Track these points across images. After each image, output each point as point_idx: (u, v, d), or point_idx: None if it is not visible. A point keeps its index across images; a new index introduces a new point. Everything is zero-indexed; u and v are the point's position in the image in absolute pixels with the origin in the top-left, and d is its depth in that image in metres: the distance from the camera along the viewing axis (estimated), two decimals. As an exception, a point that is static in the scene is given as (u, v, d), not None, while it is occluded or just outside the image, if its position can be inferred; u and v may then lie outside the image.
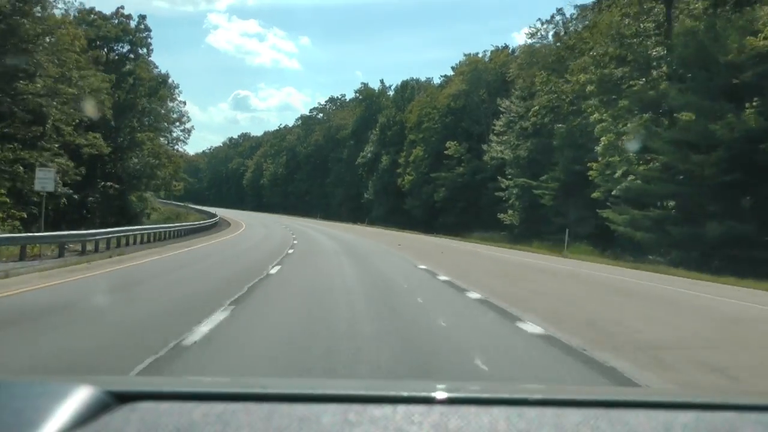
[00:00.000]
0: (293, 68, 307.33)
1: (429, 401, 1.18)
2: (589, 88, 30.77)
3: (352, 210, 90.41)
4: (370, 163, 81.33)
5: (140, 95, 42.66)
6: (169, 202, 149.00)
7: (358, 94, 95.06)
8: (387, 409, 1.11)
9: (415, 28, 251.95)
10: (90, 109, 31.58)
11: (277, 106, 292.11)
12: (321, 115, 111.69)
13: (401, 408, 1.11)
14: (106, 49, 42.30)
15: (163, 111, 46.55)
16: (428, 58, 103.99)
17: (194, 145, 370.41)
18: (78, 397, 1.07)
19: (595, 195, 34.14)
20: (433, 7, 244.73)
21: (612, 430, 1.07)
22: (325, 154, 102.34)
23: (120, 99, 42.10)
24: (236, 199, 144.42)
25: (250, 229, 49.84)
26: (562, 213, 39.54)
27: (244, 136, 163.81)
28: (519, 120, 49.76)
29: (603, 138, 31.04)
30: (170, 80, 54.21)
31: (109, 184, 41.45)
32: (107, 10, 44.43)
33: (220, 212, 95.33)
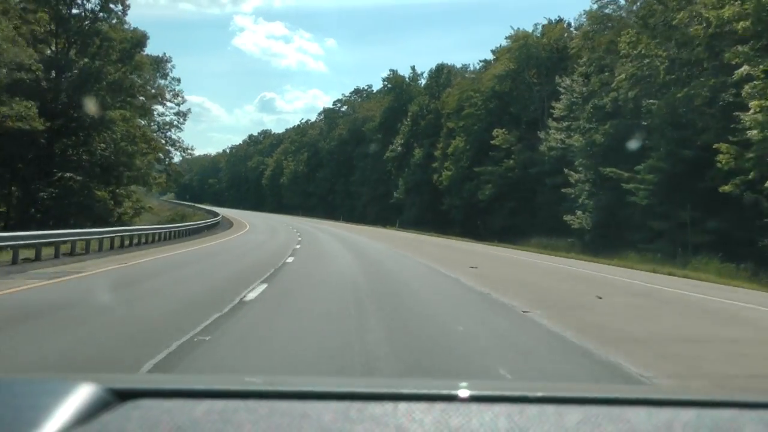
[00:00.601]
0: (319, 70, 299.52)
1: (430, 399, 1.16)
2: (741, 24, 20.50)
3: (379, 211, 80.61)
4: (401, 157, 71.46)
5: (110, 61, 33.21)
6: (180, 202, 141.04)
7: (386, 83, 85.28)
8: (388, 407, 1.10)
9: (444, 29, 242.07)
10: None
11: (303, 108, 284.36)
12: (345, 108, 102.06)
13: (402, 405, 1.11)
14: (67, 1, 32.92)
15: (140, 82, 37.07)
16: (458, 59, 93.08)
17: (219, 147, 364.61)
18: (79, 395, 1.07)
19: (726, 188, 23.95)
20: (460, 7, 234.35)
21: (613, 427, 1.06)
22: (350, 149, 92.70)
23: (85, 66, 32.75)
24: (255, 200, 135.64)
25: (249, 234, 40.36)
26: (663, 214, 29.30)
27: (265, 133, 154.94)
28: (586, 100, 39.56)
29: (754, 104, 20.85)
30: (164, 55, 45.04)
31: (68, 175, 32.08)
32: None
33: (232, 214, 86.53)
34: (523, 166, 49.16)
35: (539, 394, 1.23)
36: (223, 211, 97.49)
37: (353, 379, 3.99)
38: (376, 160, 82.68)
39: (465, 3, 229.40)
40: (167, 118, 45.85)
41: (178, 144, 47.22)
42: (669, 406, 1.20)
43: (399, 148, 71.61)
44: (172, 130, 48.77)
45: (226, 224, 52.69)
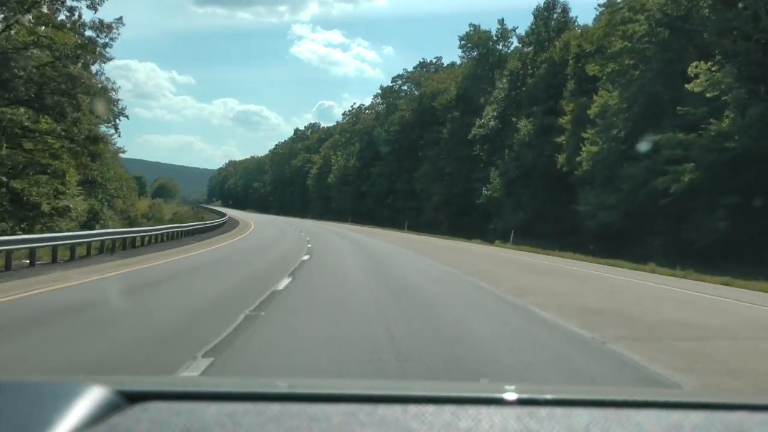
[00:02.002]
0: (377, 77, 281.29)
1: (439, 401, 1.15)
2: None
3: (457, 216, 58.17)
4: (493, 136, 48.78)
5: None
6: (205, 206, 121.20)
7: (464, 42, 62.49)
8: (397, 409, 1.09)
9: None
10: None
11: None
12: (407, 86, 79.83)
13: (412, 408, 1.10)
14: None
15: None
16: None
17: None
18: (89, 398, 1.07)
19: None
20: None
21: (622, 430, 1.07)
22: (415, 136, 70.71)
23: None
24: (300, 205, 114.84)
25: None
26: None
27: (313, 128, 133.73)
28: None
29: None
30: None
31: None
32: None
33: (249, 218, 65.81)
34: (750, 131, 26.01)
35: (548, 396, 1.23)
36: (246, 216, 77.12)
37: (362, 381, 3.78)
38: (452, 146, 60.29)
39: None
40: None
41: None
42: (678, 408, 1.18)
43: (491, 123, 48.85)
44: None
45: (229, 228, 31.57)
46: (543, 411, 1.12)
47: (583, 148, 32.80)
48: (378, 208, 76.37)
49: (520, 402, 1.19)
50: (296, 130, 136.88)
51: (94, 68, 41.04)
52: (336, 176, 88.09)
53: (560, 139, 37.20)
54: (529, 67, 46.12)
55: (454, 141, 60.11)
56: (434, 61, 79.22)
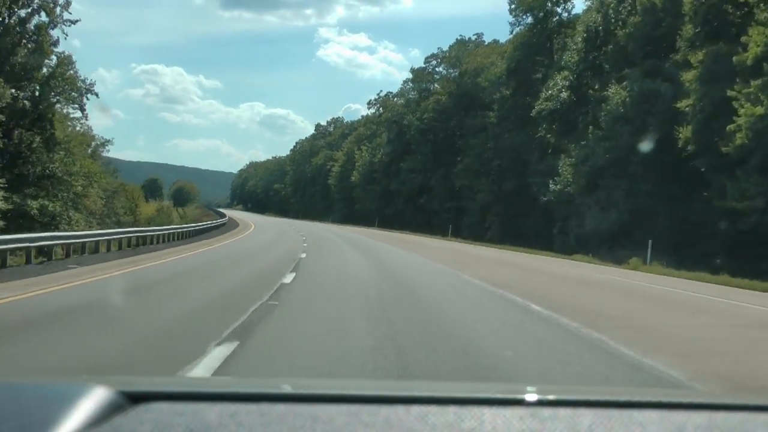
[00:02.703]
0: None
1: (442, 402, 1.15)
2: None
3: (509, 218, 46.81)
4: (565, 111, 37.12)
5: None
6: (216, 209, 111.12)
7: (515, 6, 50.77)
8: (400, 410, 1.09)
9: None
10: None
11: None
12: (443, 67, 68.36)
13: (415, 408, 1.10)
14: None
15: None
16: None
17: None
18: (91, 398, 1.06)
19: None
20: None
21: (625, 430, 1.07)
22: (453, 123, 59.50)
23: None
24: (322, 207, 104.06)
25: None
26: None
27: (335, 122, 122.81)
28: None
29: None
30: None
31: None
32: None
33: (256, 220, 55.10)
34: None
35: (552, 397, 1.24)
36: (250, 219, 66.52)
37: (365, 381, 4.00)
38: (500, 132, 48.96)
39: None
40: None
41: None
42: (681, 409, 1.18)
43: (562, 94, 37.15)
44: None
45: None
46: (546, 411, 1.12)
47: (741, 110, 21.08)
48: (409, 209, 65.09)
49: (524, 402, 1.18)
50: (318, 126, 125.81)
51: (54, 33, 30.86)
52: (360, 173, 76.95)
53: (683, 104, 25.49)
54: (613, 20, 34.51)
55: (505, 126, 48.77)
56: (473, 38, 67.59)
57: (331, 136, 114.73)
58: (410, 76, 70.95)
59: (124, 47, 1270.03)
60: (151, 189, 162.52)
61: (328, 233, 43.31)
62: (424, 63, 69.61)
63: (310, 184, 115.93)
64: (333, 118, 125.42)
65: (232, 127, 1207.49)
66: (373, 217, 74.32)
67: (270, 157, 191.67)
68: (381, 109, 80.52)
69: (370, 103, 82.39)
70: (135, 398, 1.10)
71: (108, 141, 62.88)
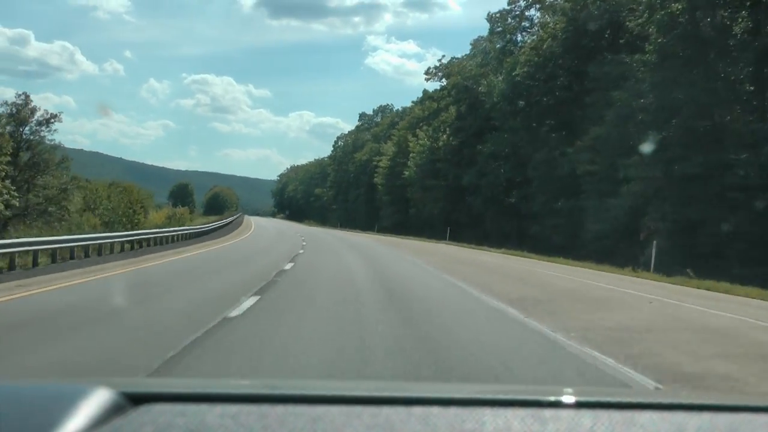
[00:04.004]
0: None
1: (443, 403, 1.15)
2: None
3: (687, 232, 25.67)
4: None
5: None
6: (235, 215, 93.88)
7: None
8: (401, 411, 1.09)
9: None
10: None
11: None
12: (535, 8, 47.04)
13: (416, 409, 1.10)
14: None
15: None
16: None
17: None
18: (92, 400, 1.07)
19: None
20: None
21: (626, 431, 1.07)
22: (564, 79, 38.65)
23: None
24: (368, 213, 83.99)
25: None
26: None
27: (383, 110, 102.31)
28: None
29: None
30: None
31: None
32: None
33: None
34: None
35: (552, 398, 1.22)
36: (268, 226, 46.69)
37: (366, 382, 4.11)
38: (665, 78, 27.96)
39: None
40: None
41: None
42: (682, 410, 1.18)
43: None
44: None
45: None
46: (547, 412, 1.11)
47: None
48: (493, 213, 44.21)
49: (524, 403, 1.17)
50: (362, 115, 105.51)
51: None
52: (416, 165, 56.24)
53: None
54: None
55: (673, 66, 27.70)
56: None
57: (378, 127, 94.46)
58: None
59: (174, 58, 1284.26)
60: (181, 195, 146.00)
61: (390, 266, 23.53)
62: (508, 4, 48.34)
63: (353, 185, 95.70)
64: (380, 105, 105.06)
65: (281, 137, 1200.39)
66: (434, 224, 53.65)
67: (312, 159, 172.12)
68: (445, 79, 59.80)
69: (429, 73, 61.61)
70: (136, 399, 1.10)
71: (53, 117, 43.82)
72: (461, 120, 49.34)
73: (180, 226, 53.53)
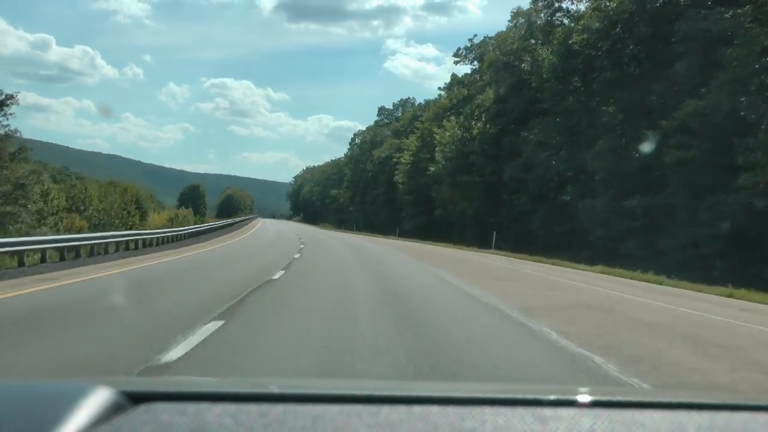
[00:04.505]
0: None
1: (444, 402, 1.15)
2: None
3: None
4: None
5: None
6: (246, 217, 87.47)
7: None
8: (402, 410, 1.09)
9: None
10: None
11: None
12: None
13: (416, 408, 1.09)
14: None
15: None
16: None
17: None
18: (93, 398, 1.06)
19: None
20: None
21: (626, 430, 1.07)
22: (636, 46, 30.88)
23: None
24: (388, 215, 76.44)
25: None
26: None
27: (404, 104, 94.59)
28: None
29: None
30: None
31: None
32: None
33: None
34: None
35: (552, 397, 1.22)
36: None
37: (367, 381, 4.07)
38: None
39: None
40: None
41: None
42: (682, 409, 1.17)
43: None
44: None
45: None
46: (547, 411, 1.11)
47: None
48: (542, 216, 36.29)
49: (524, 402, 1.17)
50: (381, 109, 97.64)
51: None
52: (445, 158, 48.35)
53: None
54: None
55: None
56: None
57: (398, 122, 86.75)
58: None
59: (193, 61, 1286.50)
60: (192, 197, 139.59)
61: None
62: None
63: (371, 185, 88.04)
64: (401, 99, 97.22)
65: (300, 140, 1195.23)
66: (465, 227, 45.92)
67: (329, 160, 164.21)
68: (476, 62, 51.99)
69: (458, 55, 53.68)
70: (136, 398, 1.09)
71: (9, 99, 36.49)
72: (500, 104, 41.46)
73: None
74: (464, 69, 58.06)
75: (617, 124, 31.77)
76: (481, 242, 38.98)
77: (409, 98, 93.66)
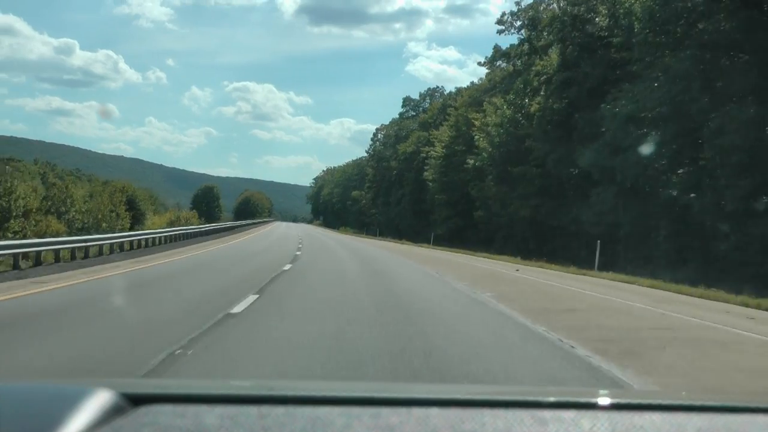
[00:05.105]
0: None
1: (443, 404, 1.15)
2: None
3: None
4: None
5: None
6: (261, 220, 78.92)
7: None
8: (402, 412, 1.08)
9: None
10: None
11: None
12: None
13: (416, 411, 1.09)
14: None
15: None
16: None
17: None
18: (92, 400, 1.07)
19: None
20: None
21: None
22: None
23: None
24: (415, 218, 66.92)
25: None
26: None
27: (432, 93, 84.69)
28: None
29: None
30: None
31: None
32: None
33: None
34: None
35: (552, 399, 1.22)
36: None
37: (367, 383, 4.03)
38: None
39: None
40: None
41: None
42: (682, 411, 1.17)
43: None
44: None
45: None
46: (548, 413, 1.10)
47: None
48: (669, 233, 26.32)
49: (524, 405, 1.16)
50: (406, 100, 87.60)
51: None
52: (492, 143, 38.43)
53: None
54: None
55: None
56: None
57: (426, 113, 76.98)
58: None
59: (216, 65, 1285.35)
60: (205, 199, 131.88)
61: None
62: None
63: (395, 184, 78.31)
64: (429, 89, 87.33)
65: (322, 144, 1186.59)
66: (514, 233, 36.20)
67: (350, 160, 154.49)
68: (524, 30, 42.09)
69: (502, 22, 43.73)
70: (136, 400, 1.09)
71: None
72: (568, 69, 31.58)
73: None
74: (509, 40, 48.32)
75: (755, 85, 21.92)
76: (539, 252, 29.36)
77: (437, 87, 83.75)
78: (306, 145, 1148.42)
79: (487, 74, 51.29)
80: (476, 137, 43.70)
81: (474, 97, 51.82)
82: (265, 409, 1.07)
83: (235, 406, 1.08)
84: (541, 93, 33.56)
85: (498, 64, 47.89)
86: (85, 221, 48.47)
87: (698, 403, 1.27)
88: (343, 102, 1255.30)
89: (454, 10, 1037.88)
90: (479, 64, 48.97)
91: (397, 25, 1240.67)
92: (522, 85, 36.30)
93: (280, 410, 1.07)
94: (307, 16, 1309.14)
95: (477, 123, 44.89)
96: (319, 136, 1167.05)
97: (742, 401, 1.36)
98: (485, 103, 44.19)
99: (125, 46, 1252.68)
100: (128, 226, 47.33)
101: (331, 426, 1.02)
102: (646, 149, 25.44)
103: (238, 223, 78.11)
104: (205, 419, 1.03)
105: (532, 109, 33.95)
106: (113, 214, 52.30)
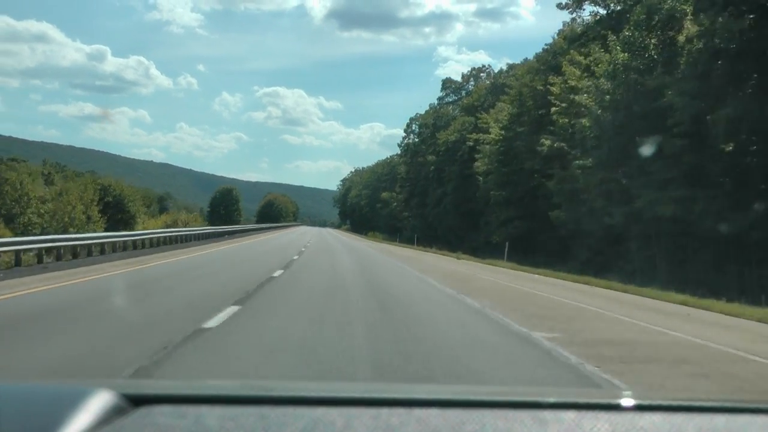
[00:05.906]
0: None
1: (444, 404, 1.15)
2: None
3: None
4: None
5: None
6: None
7: None
8: (402, 412, 1.09)
9: None
10: None
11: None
12: None
13: (416, 411, 1.10)
14: None
15: None
16: None
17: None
18: (93, 401, 1.07)
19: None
20: None
21: None
22: None
23: None
24: (462, 222, 54.28)
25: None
26: None
27: (478, 73, 71.54)
28: None
29: None
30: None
31: None
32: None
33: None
34: None
35: (552, 399, 1.21)
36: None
37: (367, 384, 4.02)
38: None
39: None
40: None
41: None
42: (682, 412, 1.17)
43: None
44: None
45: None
46: (548, 414, 1.10)
47: None
48: None
49: (525, 405, 1.16)
50: (446, 82, 74.43)
51: None
52: (602, 106, 25.47)
53: None
54: None
55: None
56: None
57: (471, 97, 64.16)
58: None
59: (246, 71, 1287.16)
60: (224, 202, 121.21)
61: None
62: None
63: (433, 182, 65.47)
64: (474, 68, 74.47)
65: (352, 148, 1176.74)
66: (616, 238, 23.50)
67: (380, 160, 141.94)
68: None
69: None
70: (136, 401, 1.09)
71: None
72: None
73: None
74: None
75: None
76: (677, 277, 16.57)
77: (483, 66, 70.71)
78: (336, 149, 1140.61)
79: (566, 27, 38.48)
80: (554, 108, 31.17)
81: (545, 60, 39.04)
82: (266, 410, 1.06)
83: (235, 407, 1.07)
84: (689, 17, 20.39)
85: (585, 8, 35.01)
86: (46, 225, 37.44)
87: (698, 403, 1.24)
88: (373, 107, 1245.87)
89: (484, 14, 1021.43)
90: (559, 6, 36.01)
91: (427, 29, 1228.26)
92: (643, 15, 23.37)
93: (280, 411, 1.05)
94: (337, 20, 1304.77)
95: (555, 89, 32.23)
96: (349, 140, 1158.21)
97: (742, 402, 1.33)
98: (573, 51, 31.47)
99: (156, 52, 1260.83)
100: (102, 230, 36.92)
101: (331, 426, 1.01)
102: None
103: (239, 227, 66.76)
104: (205, 420, 1.02)
105: (681, 39, 20.93)
106: (84, 216, 41.48)
